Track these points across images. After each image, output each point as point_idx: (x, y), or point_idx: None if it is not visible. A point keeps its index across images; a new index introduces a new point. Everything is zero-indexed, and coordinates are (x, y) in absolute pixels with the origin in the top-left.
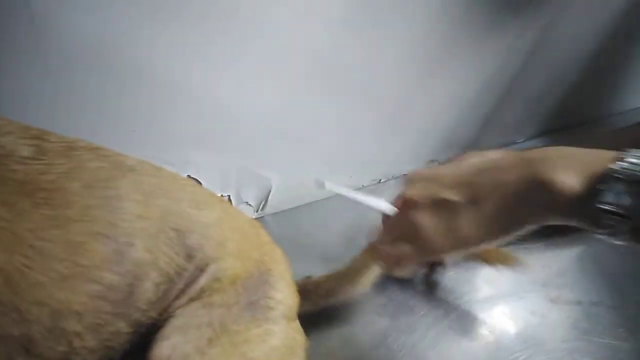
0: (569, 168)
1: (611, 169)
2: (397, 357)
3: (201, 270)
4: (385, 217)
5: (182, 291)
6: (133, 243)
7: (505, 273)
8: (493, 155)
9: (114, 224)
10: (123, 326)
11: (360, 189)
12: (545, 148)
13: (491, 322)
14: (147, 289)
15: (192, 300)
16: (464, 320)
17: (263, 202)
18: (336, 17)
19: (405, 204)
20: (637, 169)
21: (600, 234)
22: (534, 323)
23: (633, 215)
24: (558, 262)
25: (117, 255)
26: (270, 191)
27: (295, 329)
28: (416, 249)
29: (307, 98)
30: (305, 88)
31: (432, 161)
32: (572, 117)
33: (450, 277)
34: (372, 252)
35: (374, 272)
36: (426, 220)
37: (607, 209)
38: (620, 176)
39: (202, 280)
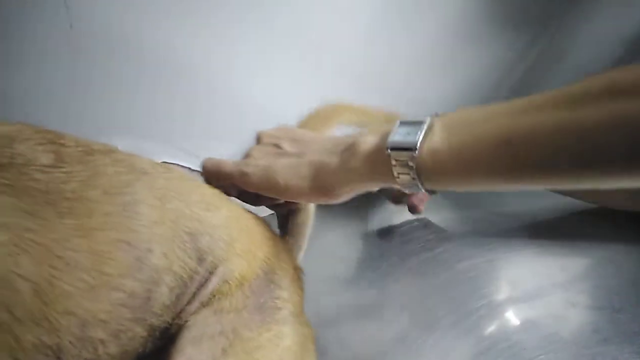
0: (372, 133)
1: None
2: (417, 358)
3: (211, 272)
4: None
5: (194, 295)
6: (152, 249)
7: (526, 275)
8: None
9: (134, 230)
10: (140, 331)
11: None
12: None
13: (512, 324)
14: (163, 294)
15: (203, 305)
16: (484, 322)
17: None
18: (358, 13)
19: (257, 137)
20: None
21: (400, 183)
22: (555, 327)
23: (416, 148)
24: (579, 266)
25: (138, 262)
26: None
27: (303, 323)
28: (241, 172)
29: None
30: (321, 84)
31: None
32: None
33: (471, 278)
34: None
35: None
36: (256, 152)
37: (395, 148)
38: (406, 121)
39: (212, 284)
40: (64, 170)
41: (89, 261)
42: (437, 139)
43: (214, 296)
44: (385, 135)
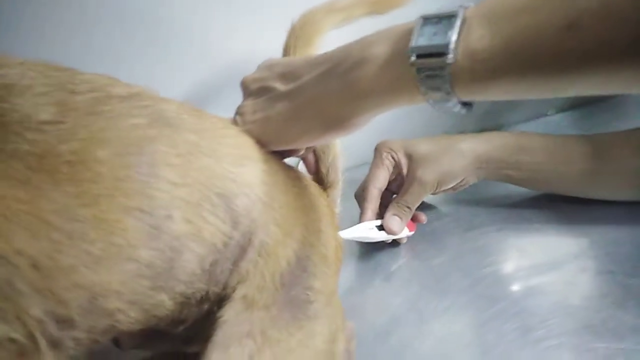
0: (380, 40)
1: (421, 17)
2: (428, 323)
3: (248, 239)
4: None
5: (234, 265)
6: (171, 215)
7: (538, 244)
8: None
9: (149, 195)
10: (165, 298)
11: None
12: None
13: (521, 291)
14: (189, 261)
15: (241, 280)
16: (493, 289)
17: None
18: None
19: (242, 86)
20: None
21: (428, 97)
22: (564, 293)
23: (449, 50)
24: (592, 234)
25: (153, 229)
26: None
27: (335, 310)
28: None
29: None
30: None
31: (462, 132)
32: None
33: (480, 246)
34: None
35: None
36: (247, 106)
37: (422, 54)
38: (430, 16)
39: (249, 255)
40: (65, 126)
41: (94, 232)
42: (477, 36)
43: (248, 276)
44: (403, 40)
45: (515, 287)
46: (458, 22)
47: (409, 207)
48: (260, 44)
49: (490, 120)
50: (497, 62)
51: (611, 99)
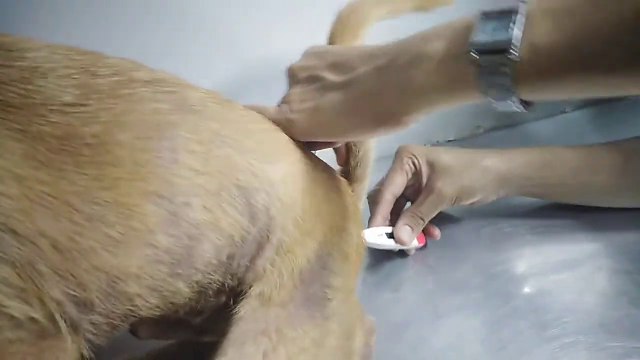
0: (437, 35)
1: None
2: (443, 319)
3: (266, 237)
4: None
5: (251, 261)
6: (190, 202)
7: (554, 242)
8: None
9: (169, 181)
10: (182, 287)
11: None
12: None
13: (536, 289)
14: (206, 251)
15: (258, 278)
16: (508, 286)
17: None
18: None
19: (288, 74)
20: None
21: (488, 95)
22: (580, 291)
23: (513, 46)
24: (608, 233)
25: (172, 216)
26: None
27: (353, 307)
28: (287, 120)
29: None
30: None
31: (478, 127)
32: None
33: (495, 243)
34: None
35: None
36: (295, 94)
37: (483, 50)
38: (489, 12)
39: (267, 252)
40: (87, 109)
41: (114, 215)
42: (542, 32)
43: (265, 274)
44: (461, 36)
45: (530, 285)
46: (521, 18)
47: (422, 219)
48: (290, 39)
49: (507, 117)
50: (563, 58)
51: (628, 98)
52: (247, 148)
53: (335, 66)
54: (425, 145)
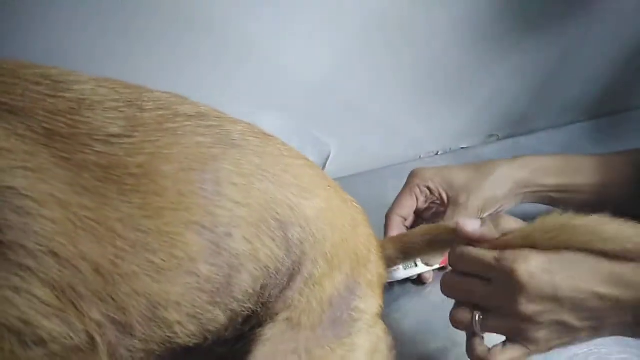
0: None
1: None
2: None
3: (297, 269)
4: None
5: (281, 292)
6: (231, 233)
7: None
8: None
9: (211, 212)
10: (219, 314)
11: (418, 159)
12: None
13: None
14: (245, 281)
15: (286, 307)
16: None
17: (321, 168)
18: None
19: (524, 320)
20: None
21: None
22: None
23: None
24: None
25: (213, 246)
26: (328, 157)
27: (378, 330)
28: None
29: (370, 67)
30: (369, 57)
31: (491, 136)
32: (634, 99)
33: None
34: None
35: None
36: (541, 335)
37: None
38: None
39: (297, 284)
40: (132, 140)
41: (157, 243)
42: None
43: (293, 303)
44: None
45: None
46: None
47: None
48: (311, 54)
49: (520, 126)
50: None
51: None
52: (285, 182)
53: (576, 310)
54: (438, 153)
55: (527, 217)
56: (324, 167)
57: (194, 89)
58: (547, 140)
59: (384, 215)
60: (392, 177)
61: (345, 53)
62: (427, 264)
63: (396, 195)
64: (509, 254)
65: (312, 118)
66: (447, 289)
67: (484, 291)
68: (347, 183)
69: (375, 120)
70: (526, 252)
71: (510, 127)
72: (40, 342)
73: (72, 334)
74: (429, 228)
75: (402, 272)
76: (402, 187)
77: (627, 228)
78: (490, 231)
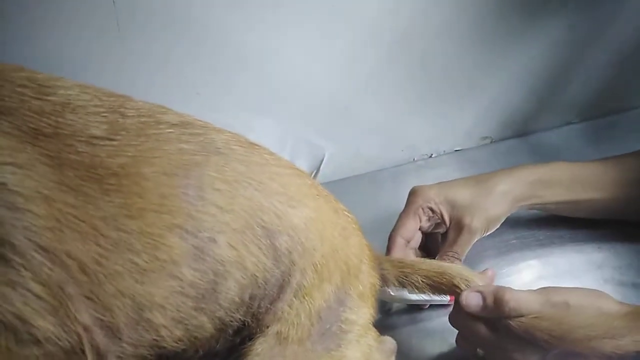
0: None
1: None
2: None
3: (287, 280)
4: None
5: (271, 303)
6: (215, 238)
7: (560, 253)
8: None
9: (194, 216)
10: (206, 321)
11: (412, 162)
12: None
13: None
14: (230, 288)
15: (276, 319)
16: None
17: (315, 171)
18: None
19: None
20: None
21: None
22: None
23: None
24: (615, 244)
25: (197, 250)
26: (322, 160)
27: (369, 340)
28: None
29: (363, 70)
30: (363, 60)
31: (485, 138)
32: (628, 100)
33: (502, 254)
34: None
35: None
36: None
37: None
38: None
39: (287, 295)
40: (114, 143)
41: (139, 243)
42: None
43: (283, 315)
44: None
45: None
46: None
47: (459, 259)
48: (306, 57)
49: (514, 128)
50: None
51: (636, 109)
52: (271, 190)
53: None
54: (432, 156)
55: (521, 221)
56: (318, 170)
57: (189, 93)
58: (542, 142)
59: (378, 220)
60: (386, 180)
61: (340, 56)
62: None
63: (389, 198)
64: None
65: (306, 121)
66: (453, 324)
67: (488, 339)
68: (341, 186)
69: (369, 123)
70: None
71: (504, 129)
72: (36, 341)
73: (65, 335)
74: (430, 272)
75: (414, 295)
76: (396, 190)
77: None
78: (491, 308)
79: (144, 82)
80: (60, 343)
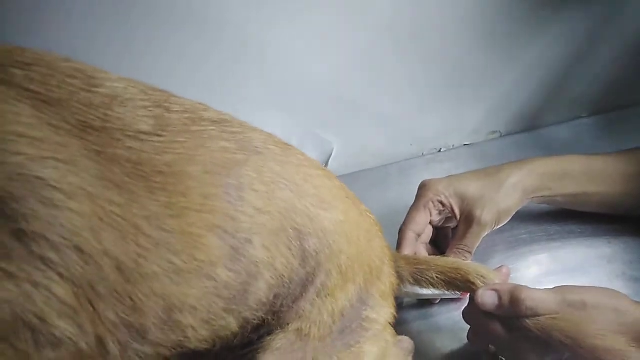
0: None
1: None
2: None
3: (311, 280)
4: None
5: (294, 302)
6: (251, 239)
7: (570, 247)
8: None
9: (233, 217)
10: (232, 322)
11: (421, 156)
12: None
13: None
14: (260, 289)
15: (298, 316)
16: None
17: (324, 165)
18: None
19: None
20: None
21: None
22: None
23: None
24: (625, 239)
25: (233, 251)
26: (331, 155)
27: (387, 335)
28: None
29: (372, 64)
30: (371, 54)
31: (494, 132)
32: (639, 94)
33: (512, 249)
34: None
35: None
36: None
37: None
38: None
39: (310, 294)
40: (161, 139)
41: (179, 243)
42: None
43: (304, 313)
44: None
45: None
46: None
47: (470, 252)
48: (315, 51)
49: (523, 122)
50: None
51: None
52: (305, 192)
53: None
54: (441, 150)
55: (531, 216)
56: (326, 164)
57: (198, 88)
58: (551, 137)
59: (386, 214)
60: (395, 175)
61: (349, 50)
62: None
63: (398, 192)
64: None
65: (314, 115)
66: (467, 320)
67: (503, 338)
68: (350, 180)
69: (378, 117)
70: None
71: (513, 124)
72: (54, 343)
73: (83, 337)
74: (446, 268)
75: (426, 290)
76: (404, 184)
77: None
78: (507, 307)
79: (149, 78)
80: (77, 345)
